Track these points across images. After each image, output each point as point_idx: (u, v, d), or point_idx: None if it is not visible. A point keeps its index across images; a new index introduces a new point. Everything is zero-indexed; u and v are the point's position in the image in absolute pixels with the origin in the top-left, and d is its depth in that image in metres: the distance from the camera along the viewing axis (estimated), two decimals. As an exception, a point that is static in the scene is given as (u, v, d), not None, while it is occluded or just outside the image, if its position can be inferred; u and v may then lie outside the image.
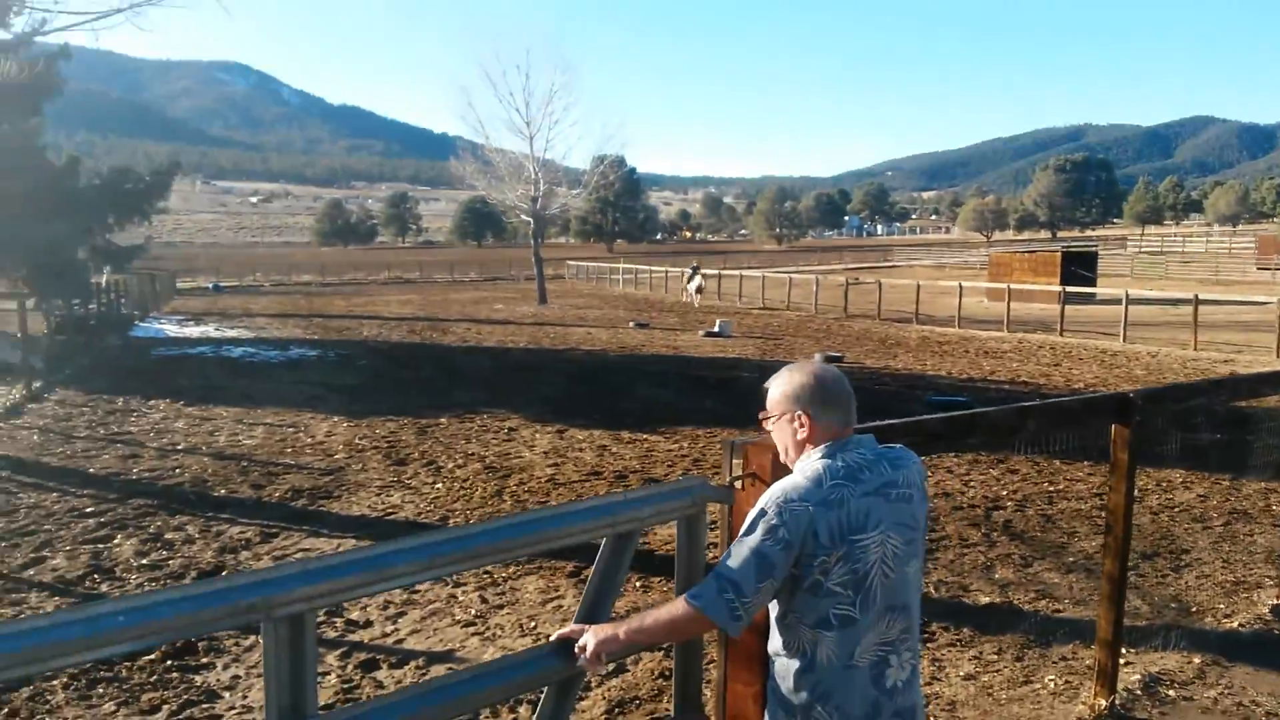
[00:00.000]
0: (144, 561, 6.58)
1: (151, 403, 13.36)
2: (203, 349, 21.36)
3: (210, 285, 56.74)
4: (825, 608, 2.26)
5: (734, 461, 2.82)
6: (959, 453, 9.46)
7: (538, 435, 11.15)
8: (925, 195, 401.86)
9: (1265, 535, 7.11)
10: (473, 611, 5.78)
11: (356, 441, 10.75)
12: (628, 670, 4.92)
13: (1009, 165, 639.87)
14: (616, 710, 4.50)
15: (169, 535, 7.20)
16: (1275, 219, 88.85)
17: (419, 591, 6.07)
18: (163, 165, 22.43)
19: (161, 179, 21.50)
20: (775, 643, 2.40)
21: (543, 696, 2.53)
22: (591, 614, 2.60)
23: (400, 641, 5.34)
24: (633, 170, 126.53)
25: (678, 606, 2.30)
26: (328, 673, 4.92)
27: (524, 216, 42.20)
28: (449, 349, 21.52)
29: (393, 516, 7.83)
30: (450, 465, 9.59)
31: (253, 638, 5.30)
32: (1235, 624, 5.36)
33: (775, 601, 2.35)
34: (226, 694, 4.67)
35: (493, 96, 52.50)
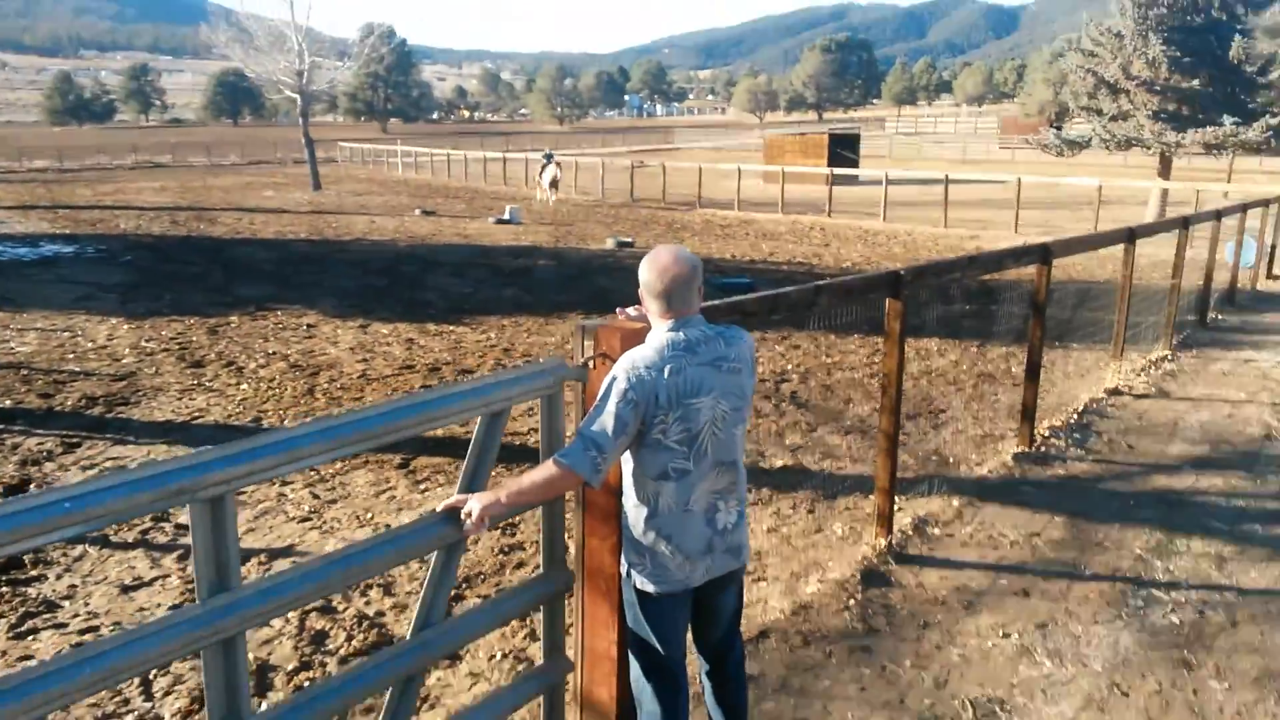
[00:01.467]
0: (-66, 479, 6.21)
1: (-111, 310, 12.02)
2: (-68, 247, 19.09)
3: (-79, 173, 49.71)
4: (664, 462, 2.72)
5: (585, 343, 3.16)
6: (759, 330, 10.27)
7: (339, 330, 11.02)
8: (702, 74, 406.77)
9: (1007, 394, 8.30)
10: (305, 508, 5.91)
11: (143, 344, 10.23)
12: (469, 550, 5.27)
13: (779, 43, 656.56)
14: (464, 584, 4.87)
15: (-45, 451, 6.76)
16: (1016, 99, 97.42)
17: (244, 493, 6.10)
18: None
19: None
20: (628, 497, 2.84)
21: (432, 560, 2.84)
22: (471, 486, 2.89)
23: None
24: (403, 42, 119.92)
25: (549, 467, 2.68)
26: (168, 576, 4.97)
27: (288, 92, 39.22)
28: (221, 241, 20.31)
29: (200, 420, 7.67)
30: (252, 365, 9.38)
31: (80, 548, 5.24)
32: (985, 471, 6.34)
33: (628, 459, 2.77)
34: (66, 603, 4.65)
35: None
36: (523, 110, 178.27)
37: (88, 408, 7.91)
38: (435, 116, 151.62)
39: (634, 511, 2.81)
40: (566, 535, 3.38)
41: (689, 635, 3.03)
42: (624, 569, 2.90)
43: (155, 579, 4.95)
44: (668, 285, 2.69)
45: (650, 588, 2.82)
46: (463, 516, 2.72)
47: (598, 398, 2.69)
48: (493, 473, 3.02)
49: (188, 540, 5.38)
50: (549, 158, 31.64)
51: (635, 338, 2.90)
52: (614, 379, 2.67)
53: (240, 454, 2.30)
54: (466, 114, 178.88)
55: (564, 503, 3.27)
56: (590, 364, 3.13)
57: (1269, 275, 14.85)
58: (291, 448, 2.40)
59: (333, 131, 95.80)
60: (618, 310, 3.18)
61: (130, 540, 5.40)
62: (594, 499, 3.16)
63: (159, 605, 4.65)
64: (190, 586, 4.79)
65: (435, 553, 2.83)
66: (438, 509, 2.82)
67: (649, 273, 2.72)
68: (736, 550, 2.90)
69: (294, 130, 41.05)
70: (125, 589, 4.81)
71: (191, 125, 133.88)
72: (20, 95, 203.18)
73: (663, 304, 2.72)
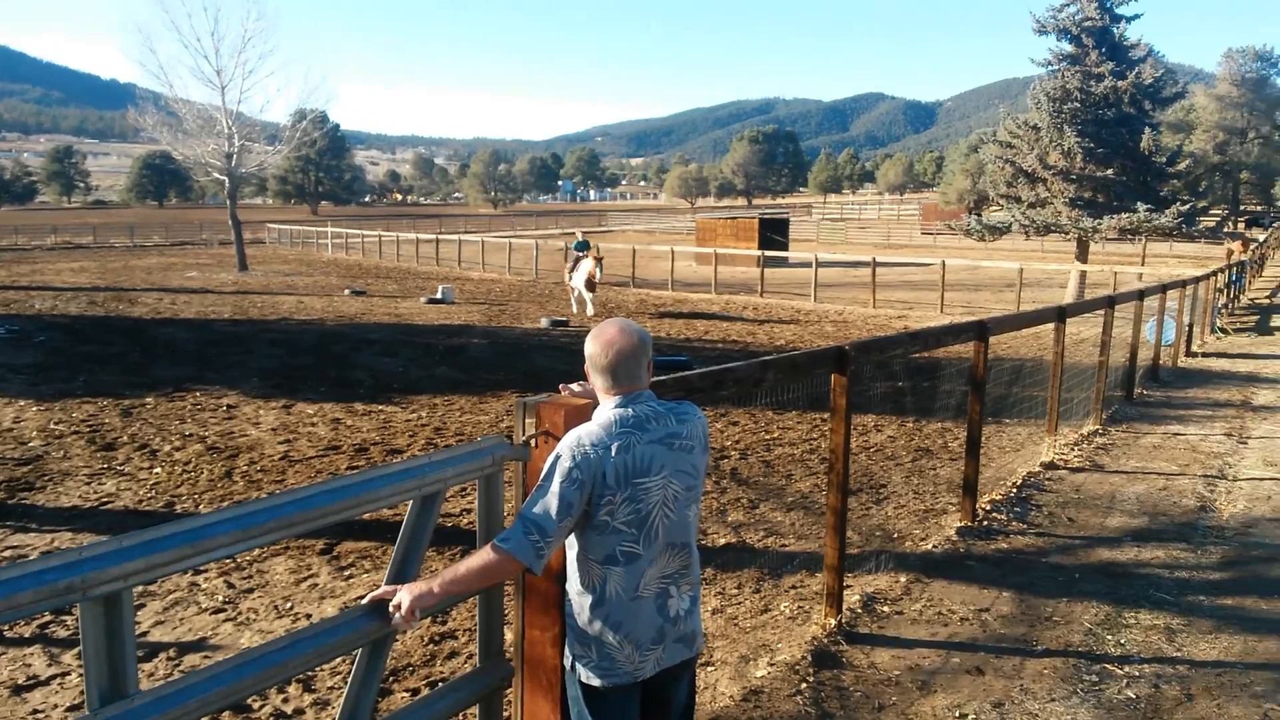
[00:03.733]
0: None
1: None
2: None
3: None
4: (612, 545, 2.52)
5: (527, 420, 2.98)
6: (708, 405, 10.16)
7: (261, 411, 10.60)
8: (634, 162, 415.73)
9: (946, 468, 8.29)
10: (220, 598, 5.52)
11: (52, 426, 9.69)
12: (398, 639, 4.95)
13: (709, 134, 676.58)
14: (392, 679, 4.54)
15: None
16: (935, 188, 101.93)
17: (155, 583, 5.69)
18: None
19: None
20: (572, 582, 2.62)
21: (357, 657, 2.58)
22: (400, 575, 2.67)
23: (144, 635, 5.00)
24: (336, 127, 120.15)
25: (487, 553, 2.45)
26: (67, 674, 4.55)
27: (216, 175, 38.76)
28: (141, 322, 19.66)
29: (109, 506, 7.21)
30: (167, 448, 8.92)
31: (-34, 646, 4.77)
32: (930, 546, 6.23)
33: (572, 542, 2.57)
34: (-55, 710, 4.19)
35: (177, 41, 48.01)
36: (456, 194, 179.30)
37: (-14, 495, 7.39)
38: (367, 199, 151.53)
39: (578, 598, 2.60)
40: (505, 624, 3.14)
41: (638, 732, 2.80)
42: (567, 661, 2.68)
43: (53, 677, 4.52)
44: (613, 359, 2.54)
45: (596, 681, 2.60)
46: (391, 609, 2.48)
47: (540, 478, 2.50)
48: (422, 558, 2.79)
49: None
50: (583, 247, 21.44)
51: (580, 415, 2.74)
52: (558, 457, 2.49)
53: (137, 547, 2.06)
54: (398, 196, 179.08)
55: (502, 590, 3.04)
56: (532, 442, 2.96)
57: (1187, 353, 15.31)
58: (197, 539, 2.16)
59: (262, 213, 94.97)
60: (561, 386, 3.01)
61: (26, 635, 4.96)
62: (535, 585, 2.95)
63: (55, 707, 4.23)
64: (88, 690, 4.38)
65: (360, 649, 2.58)
66: (363, 601, 2.58)
67: (594, 346, 2.58)
68: (689, 639, 2.70)
69: (221, 212, 40.42)
70: (18, 689, 4.37)
71: (116, 207, 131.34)
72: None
73: (609, 379, 2.56)
